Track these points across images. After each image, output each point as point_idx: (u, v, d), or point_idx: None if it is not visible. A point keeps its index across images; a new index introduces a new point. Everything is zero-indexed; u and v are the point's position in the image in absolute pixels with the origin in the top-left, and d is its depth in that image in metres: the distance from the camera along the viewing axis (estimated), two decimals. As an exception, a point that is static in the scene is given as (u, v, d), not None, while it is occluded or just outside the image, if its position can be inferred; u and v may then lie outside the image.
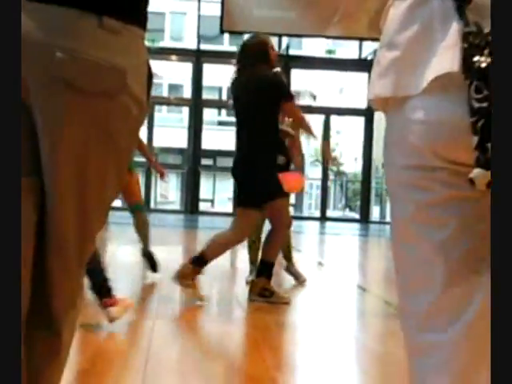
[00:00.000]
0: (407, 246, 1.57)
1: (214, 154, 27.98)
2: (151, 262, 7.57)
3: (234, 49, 22.83)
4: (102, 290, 4.99)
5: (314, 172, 32.27)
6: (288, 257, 7.96)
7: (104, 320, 4.98)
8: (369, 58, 20.99)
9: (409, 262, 1.57)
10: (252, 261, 7.69)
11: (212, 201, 27.42)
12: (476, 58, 1.37)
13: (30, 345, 1.92)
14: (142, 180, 14.84)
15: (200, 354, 4.77)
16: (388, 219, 23.92)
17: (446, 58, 1.42)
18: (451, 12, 1.43)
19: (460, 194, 1.48)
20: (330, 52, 22.35)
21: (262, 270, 6.50)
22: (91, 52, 1.80)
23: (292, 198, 27.04)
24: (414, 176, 1.51)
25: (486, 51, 1.37)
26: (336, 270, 10.22)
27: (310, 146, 34.18)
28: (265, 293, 6.29)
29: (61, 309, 1.98)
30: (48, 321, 1.97)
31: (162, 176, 8.25)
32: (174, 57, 22.19)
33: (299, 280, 7.95)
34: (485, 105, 1.35)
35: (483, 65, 1.36)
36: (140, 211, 7.60)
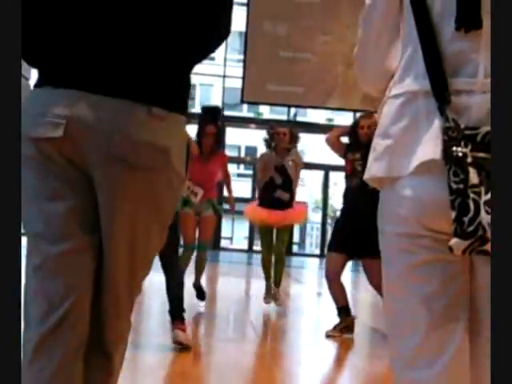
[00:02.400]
0: (397, 300, 1.57)
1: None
2: (200, 292, 7.31)
3: (252, 115, 22.97)
4: (177, 314, 5.08)
5: (314, 217, 32.20)
6: (278, 282, 7.57)
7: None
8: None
9: (398, 312, 1.57)
10: (267, 278, 7.43)
11: (231, 238, 27.35)
12: (454, 148, 1.40)
13: (89, 368, 1.92)
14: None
15: (221, 369, 4.74)
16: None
17: (429, 148, 1.44)
18: (434, 110, 1.46)
19: (440, 257, 1.49)
20: (329, 120, 22.42)
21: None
22: (141, 135, 1.82)
23: (296, 238, 27.01)
24: (403, 241, 1.52)
25: (462, 143, 1.40)
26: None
27: (312, 196, 34.14)
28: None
29: (113, 341, 1.99)
30: (103, 350, 1.97)
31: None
32: (202, 121, 22.25)
33: (277, 303, 7.50)
34: (461, 186, 1.37)
35: (460, 154, 1.39)
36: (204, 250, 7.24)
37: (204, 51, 1.95)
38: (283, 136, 7.33)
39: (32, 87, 1.92)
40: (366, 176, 1.57)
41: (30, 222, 1.90)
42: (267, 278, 7.51)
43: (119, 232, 1.89)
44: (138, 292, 2.04)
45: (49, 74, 1.87)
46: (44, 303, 1.87)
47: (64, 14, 1.84)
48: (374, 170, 1.55)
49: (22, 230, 1.82)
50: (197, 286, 7.29)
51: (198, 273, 7.28)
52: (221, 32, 1.95)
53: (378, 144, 1.54)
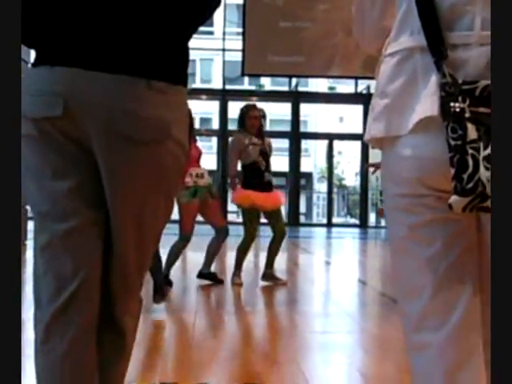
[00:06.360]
0: (403, 260, 1.56)
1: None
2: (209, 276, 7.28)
3: (253, 88, 22.89)
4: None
5: (321, 186, 32.17)
6: (272, 264, 7.32)
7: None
8: (363, 92, 20.93)
9: (404, 272, 1.56)
10: (241, 264, 7.23)
11: (237, 212, 27.24)
12: (452, 104, 1.37)
13: (101, 345, 1.93)
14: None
15: (233, 342, 4.77)
16: (382, 224, 23.81)
17: (427, 104, 1.42)
18: (431, 66, 1.43)
19: (444, 217, 1.47)
20: (331, 88, 22.33)
21: None
22: (141, 109, 1.80)
23: (302, 208, 26.95)
24: (405, 202, 1.50)
25: (459, 98, 1.37)
26: (340, 267, 10.19)
27: (316, 166, 34.09)
28: None
29: (124, 318, 1.99)
30: (114, 327, 1.98)
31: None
32: (203, 96, 22.18)
33: (280, 282, 7.28)
34: (459, 142, 1.35)
35: (457, 109, 1.37)
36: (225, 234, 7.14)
37: (199, 18, 1.92)
38: (254, 120, 7.20)
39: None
40: (366, 137, 1.54)
41: (35, 202, 1.90)
42: (241, 265, 7.29)
43: (125, 207, 1.88)
44: (147, 268, 2.04)
45: (46, 53, 1.85)
46: (53, 282, 1.87)
47: None
48: (373, 130, 1.52)
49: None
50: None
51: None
52: None
53: (377, 104, 1.51)
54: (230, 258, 10.78)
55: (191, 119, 2.00)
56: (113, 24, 1.81)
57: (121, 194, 1.87)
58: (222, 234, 7.10)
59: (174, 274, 7.28)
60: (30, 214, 12.63)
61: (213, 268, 7.40)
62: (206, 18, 1.95)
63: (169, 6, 1.84)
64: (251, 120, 7.18)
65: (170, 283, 6.82)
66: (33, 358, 1.90)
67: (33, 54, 1.94)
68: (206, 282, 7.21)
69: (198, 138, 7.49)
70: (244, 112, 7.29)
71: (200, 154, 6.99)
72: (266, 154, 7.19)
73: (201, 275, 7.27)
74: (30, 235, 12.11)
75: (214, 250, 7.21)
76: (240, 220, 7.39)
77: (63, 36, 1.82)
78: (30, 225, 12.25)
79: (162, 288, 5.41)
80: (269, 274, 7.27)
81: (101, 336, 1.93)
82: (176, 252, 6.78)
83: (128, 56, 1.82)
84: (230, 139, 7.32)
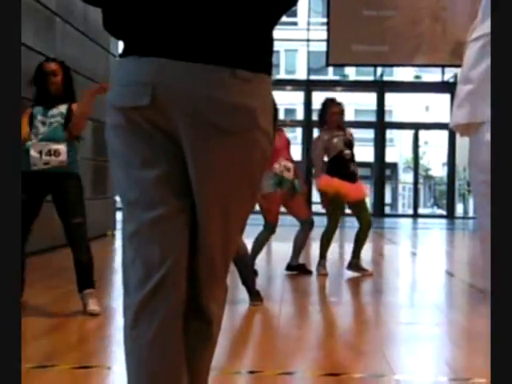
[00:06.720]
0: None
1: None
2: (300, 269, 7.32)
3: (337, 78, 22.78)
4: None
5: (406, 177, 31.78)
6: (358, 254, 7.34)
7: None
8: (450, 80, 20.54)
9: None
10: (324, 255, 7.34)
11: (322, 201, 26.89)
12: None
13: (188, 333, 1.95)
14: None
15: (318, 332, 4.78)
16: (470, 214, 23.38)
17: None
18: None
19: None
20: (417, 77, 22.00)
21: None
22: (227, 98, 1.82)
23: (387, 199, 26.62)
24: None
25: None
26: (427, 259, 10.04)
27: (402, 156, 33.68)
28: None
29: (210, 305, 2.02)
30: (200, 314, 2.00)
31: None
32: (288, 87, 22.21)
33: (366, 273, 7.28)
34: None
35: None
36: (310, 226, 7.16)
37: (283, 7, 1.93)
38: (336, 116, 7.26)
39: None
40: (451, 124, 1.53)
41: (124, 190, 1.94)
42: (325, 255, 7.37)
43: (211, 196, 1.90)
44: (232, 256, 2.06)
45: (133, 44, 1.89)
46: (141, 269, 1.90)
47: None
48: (457, 117, 1.50)
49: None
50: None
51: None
52: None
53: (461, 90, 1.49)
54: (315, 248, 10.79)
55: (275, 109, 1.99)
56: (198, 14, 1.83)
57: (208, 183, 1.89)
58: (306, 225, 7.11)
59: (260, 263, 7.33)
60: (118, 205, 12.94)
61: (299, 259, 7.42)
62: (289, 6, 1.95)
63: None
64: (333, 116, 7.27)
65: (255, 273, 6.84)
66: (122, 343, 1.95)
67: (120, 46, 1.98)
68: (291, 272, 7.24)
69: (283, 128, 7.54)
70: (325, 108, 7.40)
71: (288, 143, 7.03)
72: (350, 143, 7.25)
73: (290, 267, 7.33)
74: (119, 225, 12.40)
75: (300, 242, 7.27)
76: (324, 210, 7.37)
77: (150, 27, 1.85)
78: (119, 215, 12.54)
79: (259, 293, 5.47)
80: (355, 263, 7.31)
81: (187, 324, 1.95)
82: (260, 242, 6.83)
83: (213, 45, 1.83)
84: (314, 139, 7.55)
